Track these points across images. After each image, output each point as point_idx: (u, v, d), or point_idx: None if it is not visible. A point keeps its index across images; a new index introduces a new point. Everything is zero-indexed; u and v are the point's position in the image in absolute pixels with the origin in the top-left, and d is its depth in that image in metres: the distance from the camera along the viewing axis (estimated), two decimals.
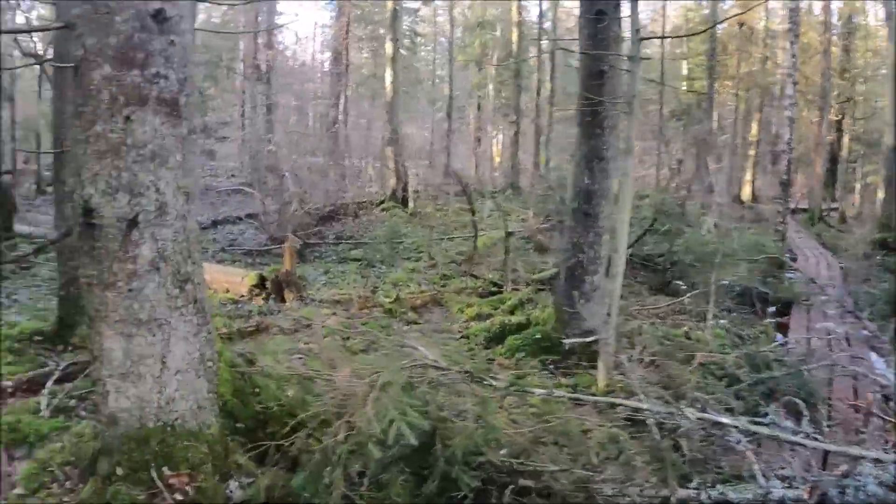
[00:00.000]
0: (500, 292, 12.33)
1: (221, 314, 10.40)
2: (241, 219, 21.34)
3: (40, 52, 21.98)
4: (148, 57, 4.46)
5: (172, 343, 4.72)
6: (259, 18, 33.92)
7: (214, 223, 19.73)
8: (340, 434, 4.41)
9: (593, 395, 7.02)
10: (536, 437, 5.33)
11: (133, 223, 4.45)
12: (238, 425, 5.29)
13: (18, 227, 18.92)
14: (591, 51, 8.92)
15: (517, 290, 12.18)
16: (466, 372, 5.46)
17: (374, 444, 4.27)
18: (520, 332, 9.38)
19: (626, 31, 8.73)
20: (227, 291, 11.96)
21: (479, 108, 42.10)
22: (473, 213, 14.35)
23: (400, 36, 26.99)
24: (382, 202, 24.40)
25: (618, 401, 6.07)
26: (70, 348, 9.06)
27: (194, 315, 4.85)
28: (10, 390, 7.80)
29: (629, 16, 8.02)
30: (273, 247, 17.06)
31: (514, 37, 35.37)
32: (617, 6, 9.02)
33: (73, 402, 7.10)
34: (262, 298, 11.28)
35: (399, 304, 11.06)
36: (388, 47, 26.19)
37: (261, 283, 11.76)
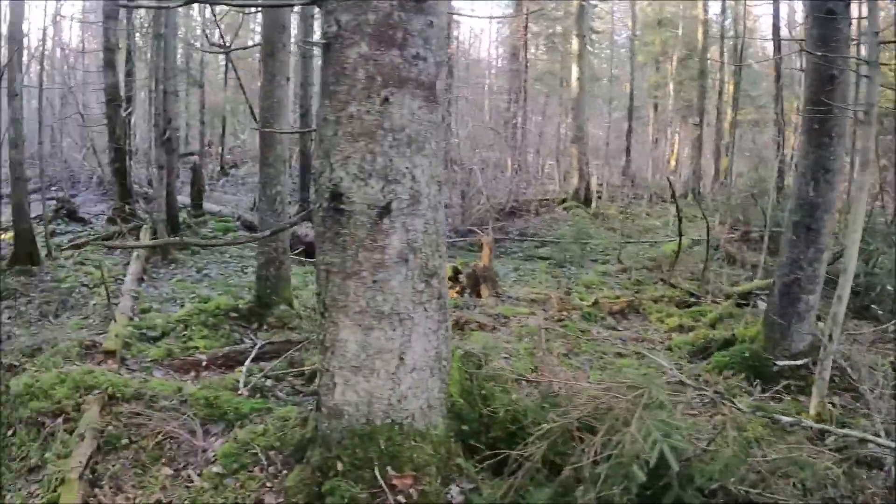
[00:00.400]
0: (698, 303, 11.75)
1: None
2: None
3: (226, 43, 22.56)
4: (407, 37, 4.25)
5: (413, 339, 4.52)
6: None
7: None
8: (596, 451, 4.06)
9: (813, 423, 6.47)
10: (774, 466, 4.88)
11: (385, 211, 4.24)
12: (463, 428, 5.04)
13: (207, 206, 19.42)
14: (820, 52, 8.29)
15: (716, 302, 11.58)
16: (717, 392, 5.05)
17: (639, 467, 3.92)
18: (726, 349, 8.82)
19: None
20: None
21: (655, 108, 41.11)
22: (680, 219, 13.70)
23: (586, 32, 26.25)
24: (564, 200, 23.84)
25: (869, 437, 5.51)
26: (265, 327, 9.17)
27: (436, 311, 4.63)
28: (203, 363, 7.87)
29: (861, 17, 7.43)
30: (457, 239, 16.96)
31: (700, 35, 34.24)
32: (847, 5, 8.32)
33: (269, 383, 7.06)
34: (456, 292, 11.04)
35: (597, 308, 10.65)
36: (575, 44, 25.56)
37: (454, 275, 11.57)
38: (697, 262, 14.07)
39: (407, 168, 4.28)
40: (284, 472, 5.06)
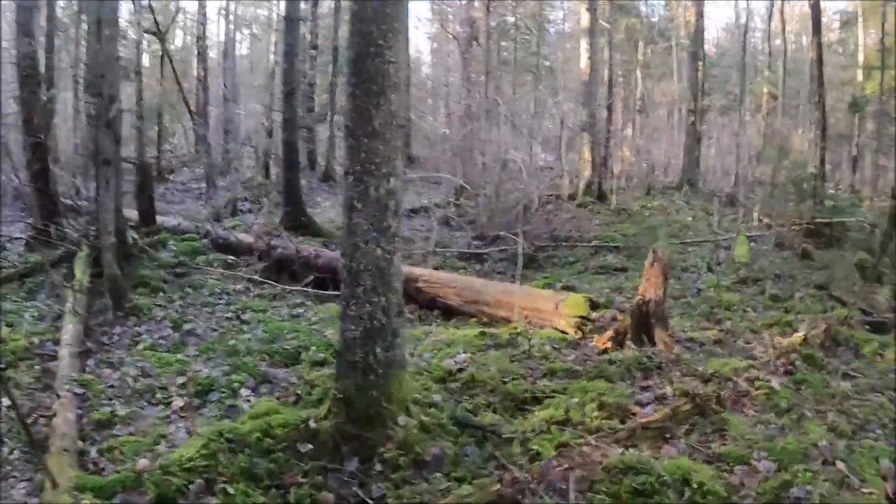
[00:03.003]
0: (882, 325, 8.29)
1: (608, 374, 6.29)
2: (415, 212, 17.35)
3: None
4: None
5: None
6: None
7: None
8: None
9: None
10: None
11: None
12: None
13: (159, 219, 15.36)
14: None
15: None
16: None
17: None
18: None
19: None
20: (529, 323, 7.94)
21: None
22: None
23: (596, 5, 22.47)
24: (573, 196, 20.55)
25: None
26: (377, 465, 4.65)
27: None
28: None
29: None
30: (482, 251, 13.28)
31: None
32: None
33: None
34: (609, 339, 6.99)
35: (808, 346, 6.92)
36: (585, 18, 21.93)
37: (585, 315, 7.61)
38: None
39: None
40: None
